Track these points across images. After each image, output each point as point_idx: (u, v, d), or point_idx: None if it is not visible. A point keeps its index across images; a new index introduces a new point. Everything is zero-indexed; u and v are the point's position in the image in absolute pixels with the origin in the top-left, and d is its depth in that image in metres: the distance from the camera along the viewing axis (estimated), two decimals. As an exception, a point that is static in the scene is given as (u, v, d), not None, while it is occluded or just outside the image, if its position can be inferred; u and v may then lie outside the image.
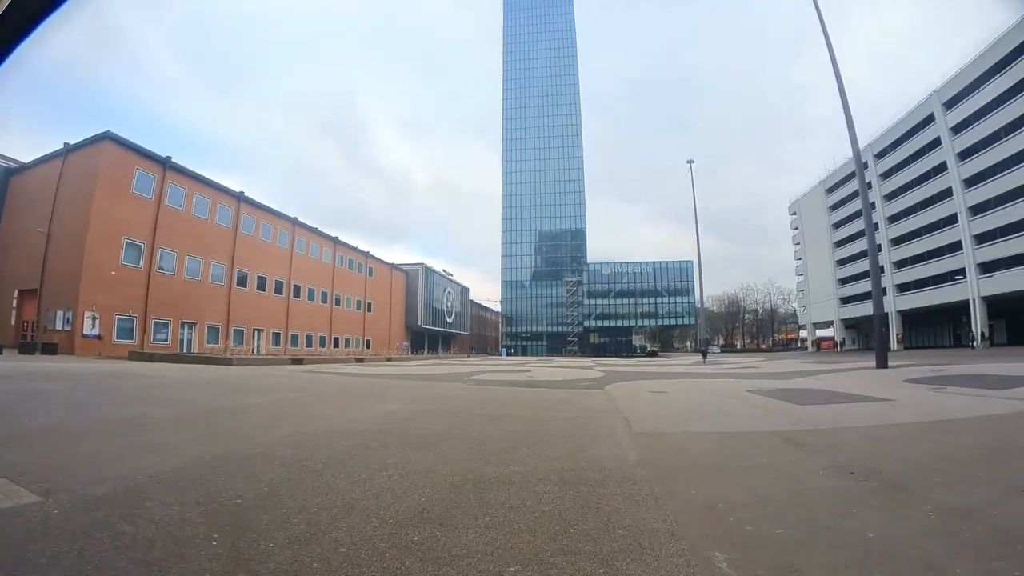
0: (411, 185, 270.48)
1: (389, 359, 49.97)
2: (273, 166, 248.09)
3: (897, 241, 70.19)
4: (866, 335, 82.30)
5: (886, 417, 7.94)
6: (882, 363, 23.68)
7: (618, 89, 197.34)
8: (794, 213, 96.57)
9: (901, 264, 69.72)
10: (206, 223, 47.22)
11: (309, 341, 62.95)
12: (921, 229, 65.75)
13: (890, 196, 71.14)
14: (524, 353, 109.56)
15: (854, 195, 77.24)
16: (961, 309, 59.83)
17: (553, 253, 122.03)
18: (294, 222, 60.50)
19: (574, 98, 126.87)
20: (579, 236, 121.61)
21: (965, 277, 58.21)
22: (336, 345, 68.59)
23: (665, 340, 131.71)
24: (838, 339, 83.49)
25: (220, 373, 20.34)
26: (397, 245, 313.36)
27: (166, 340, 42.12)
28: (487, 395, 13.01)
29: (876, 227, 71.34)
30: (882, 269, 70.59)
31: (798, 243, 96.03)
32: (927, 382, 13.63)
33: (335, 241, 70.28)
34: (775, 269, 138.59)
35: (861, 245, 76.38)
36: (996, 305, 56.08)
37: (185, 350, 42.69)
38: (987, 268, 55.69)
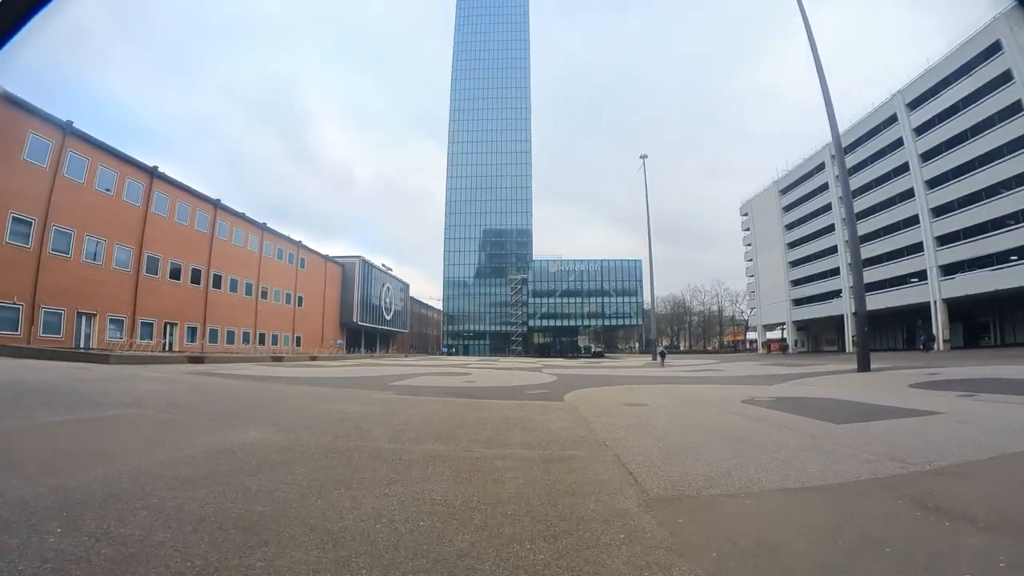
0: (355, 180, 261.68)
1: (314, 358, 46.12)
2: (209, 154, 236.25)
3: (864, 239, 69.15)
4: (815, 337, 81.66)
5: (980, 443, 5.88)
6: (864, 366, 22.33)
7: (563, 91, 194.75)
8: (745, 214, 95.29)
9: (868, 263, 68.68)
10: (111, 200, 40.98)
11: (231, 337, 57.03)
12: (882, 230, 64.21)
13: (857, 193, 70.11)
14: (466, 353, 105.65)
15: (810, 195, 76.70)
16: (919, 312, 59.09)
17: (498, 251, 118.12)
18: (216, 204, 54.37)
19: (525, 94, 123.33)
20: (525, 235, 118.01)
21: (927, 279, 57.23)
22: (262, 342, 62.75)
23: (609, 341, 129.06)
24: (790, 341, 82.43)
25: (71, 374, 15.99)
26: (339, 241, 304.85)
27: (59, 334, 35.91)
28: (408, 413, 9.24)
29: (836, 226, 70.82)
30: (838, 271, 71.18)
31: (749, 244, 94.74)
32: (938, 388, 12.56)
33: (263, 228, 64.19)
34: (717, 272, 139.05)
35: (816, 246, 75.82)
36: (956, 308, 55.35)
37: (83, 345, 37.11)
38: (949, 270, 54.74)
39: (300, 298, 73.21)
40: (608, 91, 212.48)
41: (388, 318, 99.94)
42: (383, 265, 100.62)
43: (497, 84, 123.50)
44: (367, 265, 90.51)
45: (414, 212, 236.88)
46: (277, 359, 39.60)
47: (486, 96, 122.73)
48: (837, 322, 72.99)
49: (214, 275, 53.63)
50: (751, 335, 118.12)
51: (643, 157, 61.08)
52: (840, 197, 69.94)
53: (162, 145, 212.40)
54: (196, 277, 51.17)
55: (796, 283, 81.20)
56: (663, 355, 48.06)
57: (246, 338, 59.80)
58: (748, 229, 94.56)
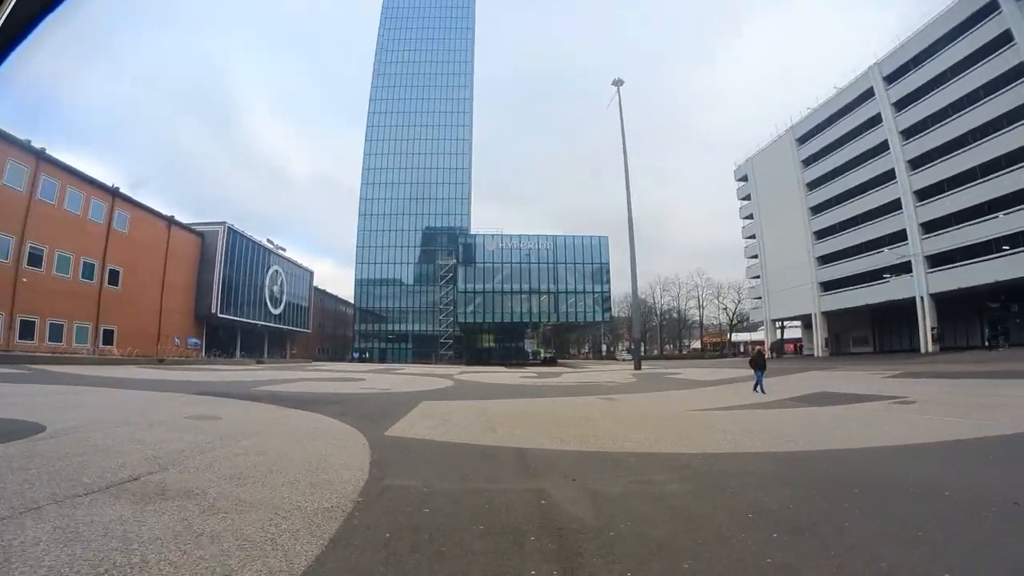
0: (291, 176, 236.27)
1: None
2: (129, 145, 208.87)
3: (924, 195, 47.15)
4: (836, 336, 59.55)
5: None
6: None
7: (503, 78, 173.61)
8: (743, 178, 72.35)
9: (931, 227, 46.55)
10: None
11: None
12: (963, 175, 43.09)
13: (910, 133, 48.22)
14: (383, 358, 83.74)
15: (848, 137, 54.72)
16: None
17: (428, 235, 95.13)
18: None
19: (464, 68, 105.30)
20: (461, 219, 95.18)
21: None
22: (29, 334, 39.10)
23: (561, 344, 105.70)
24: (819, 337, 58.77)
25: None
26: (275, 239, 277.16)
27: None
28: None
29: (897, 172, 49.33)
30: (902, 236, 48.08)
31: (749, 216, 71.94)
32: None
33: (37, 154, 40.15)
34: (666, 277, 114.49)
35: (859, 206, 53.56)
36: None
37: None
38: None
39: (115, 273, 48.48)
40: (551, 83, 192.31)
41: (276, 312, 74.94)
42: (271, 242, 75.82)
43: (428, 58, 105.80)
44: (234, 234, 65.25)
45: (350, 208, 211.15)
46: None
47: (415, 71, 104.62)
48: (892, 311, 51.59)
49: None
50: (753, 335, 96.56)
51: (617, 83, 48.82)
52: (903, 131, 48.70)
53: (80, 136, 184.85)
54: None
55: (825, 260, 58.41)
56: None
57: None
58: (747, 198, 71.94)
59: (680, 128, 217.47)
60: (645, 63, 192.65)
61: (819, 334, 57.52)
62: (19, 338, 38.04)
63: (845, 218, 55.32)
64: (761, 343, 69.78)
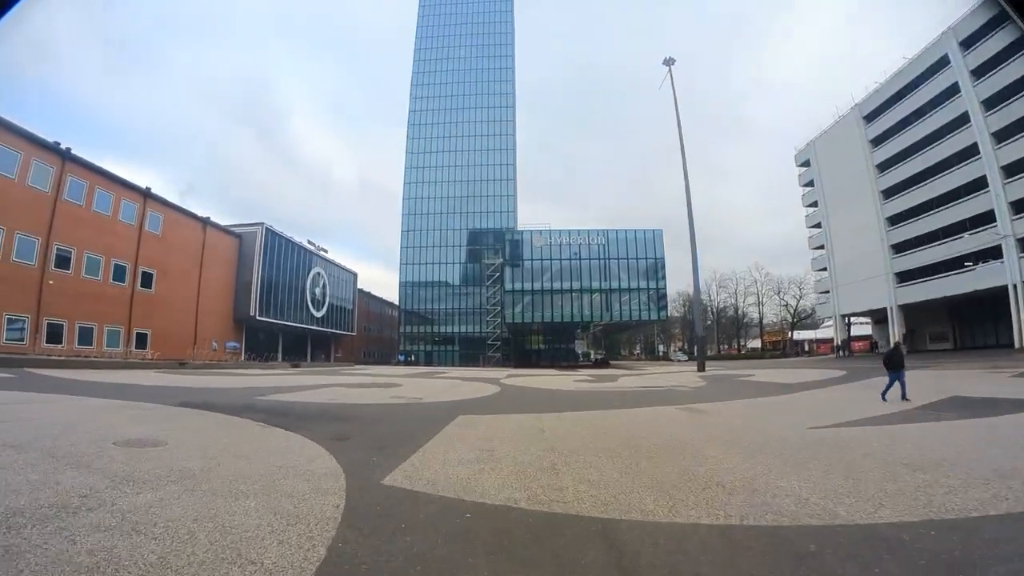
0: (333, 181, 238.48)
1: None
2: (182, 157, 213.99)
3: (1012, 171, 42.55)
4: (910, 333, 54.65)
5: None
6: None
7: (548, 81, 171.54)
8: (805, 164, 67.56)
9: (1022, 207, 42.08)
10: None
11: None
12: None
13: (992, 103, 43.64)
14: (429, 361, 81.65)
15: (922, 112, 50.13)
16: None
17: (474, 242, 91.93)
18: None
19: (507, 63, 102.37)
20: (507, 218, 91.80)
21: None
22: (57, 338, 37.94)
23: (611, 345, 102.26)
24: (894, 331, 53.28)
25: None
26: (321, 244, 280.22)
27: None
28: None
29: (981, 146, 44.95)
30: (989, 217, 43.39)
31: (813, 204, 67.07)
32: None
33: (63, 155, 39.17)
34: (723, 273, 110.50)
35: (933, 190, 49.08)
36: None
37: None
38: None
39: (147, 275, 47.51)
40: (596, 84, 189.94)
41: (318, 315, 73.34)
42: (312, 243, 74.30)
43: (467, 54, 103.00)
44: (272, 235, 63.70)
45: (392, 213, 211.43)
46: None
47: (454, 67, 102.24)
48: (974, 303, 47.28)
49: None
50: (804, 334, 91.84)
51: (668, 62, 46.05)
52: (984, 101, 44.39)
53: (133, 150, 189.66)
54: None
55: (900, 249, 53.82)
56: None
57: (16, 328, 36.28)
58: (810, 184, 67.37)
59: (728, 123, 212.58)
60: (687, 59, 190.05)
61: (896, 330, 52.70)
62: (46, 341, 36.86)
63: (922, 201, 50.51)
64: (854, 339, 65.81)
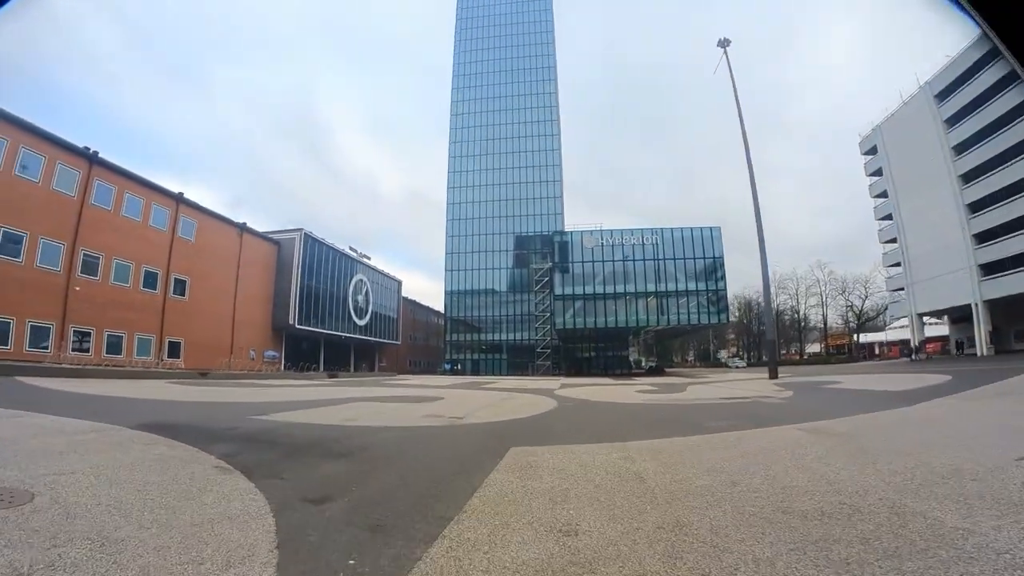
0: (377, 192, 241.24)
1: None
2: (231, 171, 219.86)
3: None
4: (996, 332, 49.82)
5: None
6: None
7: (588, 79, 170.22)
8: (871, 151, 63.47)
9: None
10: None
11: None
12: None
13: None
14: (476, 370, 79.14)
15: (1003, 83, 45.51)
16: None
17: (521, 247, 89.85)
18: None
19: (546, 62, 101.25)
20: (554, 221, 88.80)
21: None
22: (84, 346, 37.29)
23: (663, 352, 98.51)
24: (980, 333, 48.81)
25: None
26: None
27: None
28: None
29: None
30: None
31: (882, 195, 62.92)
32: None
33: (90, 158, 38.44)
34: (783, 273, 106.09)
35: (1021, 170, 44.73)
36: None
37: None
38: None
39: (180, 282, 46.70)
40: (639, 88, 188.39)
41: (361, 323, 71.67)
42: (354, 250, 72.78)
43: (507, 55, 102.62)
44: (314, 244, 62.25)
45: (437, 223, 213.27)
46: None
47: (495, 68, 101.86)
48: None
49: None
50: (869, 336, 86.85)
51: (723, 43, 42.15)
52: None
53: (183, 164, 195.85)
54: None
55: (983, 239, 49.31)
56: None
57: (41, 336, 35.36)
58: (878, 173, 62.88)
59: (777, 121, 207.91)
60: (734, 57, 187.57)
61: (983, 328, 48.17)
62: (72, 349, 35.89)
63: (1008, 183, 46.05)
64: (928, 341, 61.27)
